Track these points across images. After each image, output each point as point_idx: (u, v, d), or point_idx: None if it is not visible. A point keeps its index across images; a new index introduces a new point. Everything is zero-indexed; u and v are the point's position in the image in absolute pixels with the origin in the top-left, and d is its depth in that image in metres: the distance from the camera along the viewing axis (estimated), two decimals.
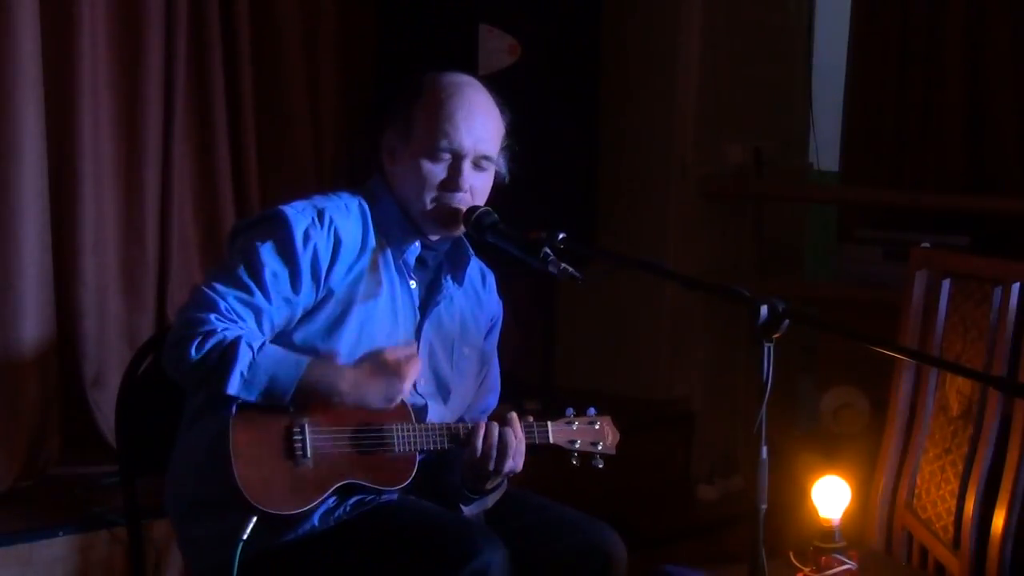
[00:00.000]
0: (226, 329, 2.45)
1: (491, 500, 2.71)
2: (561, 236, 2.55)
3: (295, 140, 4.45)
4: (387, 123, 2.68)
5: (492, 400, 2.87)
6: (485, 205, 2.65)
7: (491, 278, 2.85)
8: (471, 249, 2.74)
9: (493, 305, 2.85)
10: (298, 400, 2.48)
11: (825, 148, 5.32)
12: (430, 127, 2.61)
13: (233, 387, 2.43)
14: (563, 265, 2.52)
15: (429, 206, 2.63)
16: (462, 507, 2.68)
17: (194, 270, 4.18)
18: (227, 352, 2.42)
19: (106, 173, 3.96)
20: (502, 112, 2.69)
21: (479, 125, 2.63)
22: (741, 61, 5.02)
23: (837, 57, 5.28)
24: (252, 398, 2.45)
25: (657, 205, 4.93)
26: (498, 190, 2.72)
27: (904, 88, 5.02)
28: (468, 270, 2.75)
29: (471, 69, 4.11)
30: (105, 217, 3.96)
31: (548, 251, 2.53)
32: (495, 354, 2.86)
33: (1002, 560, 3.00)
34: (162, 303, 4.11)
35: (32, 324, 3.70)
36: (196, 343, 2.43)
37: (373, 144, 2.72)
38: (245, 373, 2.43)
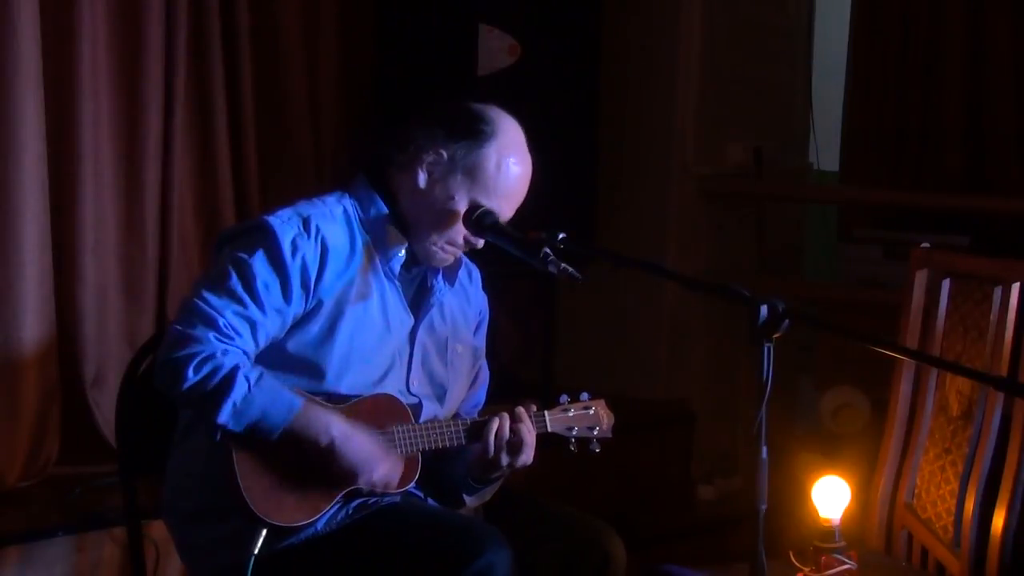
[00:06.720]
0: (225, 353, 2.44)
1: (489, 492, 2.71)
2: (561, 236, 2.55)
3: (295, 140, 4.45)
4: (437, 137, 2.61)
5: (482, 395, 2.87)
6: None
7: (477, 273, 2.85)
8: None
9: (480, 300, 2.85)
10: (285, 439, 2.46)
11: (825, 148, 5.31)
12: (492, 189, 2.60)
13: (223, 416, 2.42)
14: (563, 265, 2.52)
15: (440, 248, 2.64)
16: (464, 496, 2.68)
17: (194, 270, 4.17)
18: (224, 380, 2.41)
19: (106, 173, 3.96)
20: None
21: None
22: (741, 61, 5.02)
23: (837, 57, 5.28)
24: (239, 430, 2.44)
25: (657, 205, 4.93)
26: None
27: (904, 88, 5.01)
28: (458, 269, 2.75)
29: (471, 69, 4.15)
30: (105, 217, 3.96)
31: (548, 251, 2.54)
32: (484, 349, 2.86)
33: (1002, 560, 3.00)
34: (162, 303, 4.11)
35: (32, 324, 3.69)
36: (194, 364, 2.42)
37: (396, 142, 2.66)
38: (238, 404, 2.42)
